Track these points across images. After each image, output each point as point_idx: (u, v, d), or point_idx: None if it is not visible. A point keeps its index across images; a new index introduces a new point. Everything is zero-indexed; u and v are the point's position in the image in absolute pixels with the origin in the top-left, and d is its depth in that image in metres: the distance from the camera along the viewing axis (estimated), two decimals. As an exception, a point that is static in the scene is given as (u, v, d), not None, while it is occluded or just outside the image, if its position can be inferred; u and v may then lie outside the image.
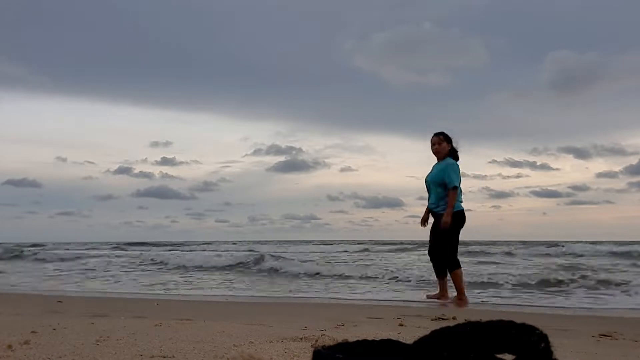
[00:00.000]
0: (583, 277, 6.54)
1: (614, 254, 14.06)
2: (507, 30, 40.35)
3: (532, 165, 41.36)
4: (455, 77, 38.59)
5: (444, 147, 5.20)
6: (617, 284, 6.02)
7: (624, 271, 8.06)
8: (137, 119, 48.66)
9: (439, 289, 5.03)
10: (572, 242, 21.98)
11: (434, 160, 5.24)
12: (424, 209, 5.31)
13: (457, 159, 5.23)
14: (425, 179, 5.27)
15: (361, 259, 12.81)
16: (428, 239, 5.20)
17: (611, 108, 40.46)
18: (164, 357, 1.51)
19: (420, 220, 5.31)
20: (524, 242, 23.88)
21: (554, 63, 34.46)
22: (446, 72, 38.52)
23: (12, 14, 34.67)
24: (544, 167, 41.53)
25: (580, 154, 41.15)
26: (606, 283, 6.13)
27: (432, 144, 5.24)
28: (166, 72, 44.87)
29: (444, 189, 5.02)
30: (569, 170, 43.19)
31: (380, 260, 12.31)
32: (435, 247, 5.09)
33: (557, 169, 42.14)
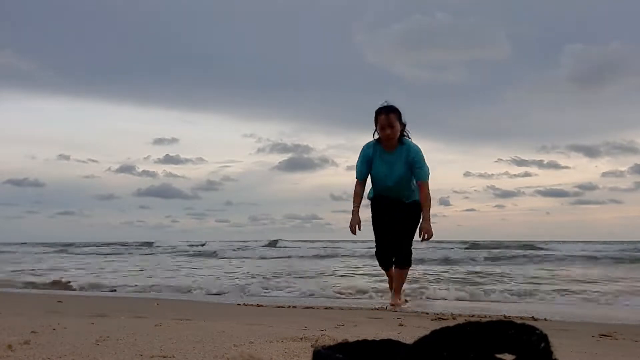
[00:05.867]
0: None
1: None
2: (527, 21, 39.40)
3: (539, 164, 41.14)
4: (470, 73, 37.68)
5: (398, 129, 4.19)
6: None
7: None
8: (141, 118, 48.78)
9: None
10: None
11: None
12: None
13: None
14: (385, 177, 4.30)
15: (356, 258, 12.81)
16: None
17: (631, 104, 39.30)
18: (164, 357, 1.51)
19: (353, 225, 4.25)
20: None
21: (573, 55, 32.97)
22: (461, 67, 37.46)
23: (17, 9, 34.60)
24: (552, 165, 41.23)
25: (590, 152, 40.68)
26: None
27: (382, 127, 4.15)
28: (170, 71, 44.86)
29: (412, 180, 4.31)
30: (577, 169, 42.85)
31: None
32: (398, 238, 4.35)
33: (566, 168, 41.85)
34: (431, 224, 4.20)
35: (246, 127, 57.52)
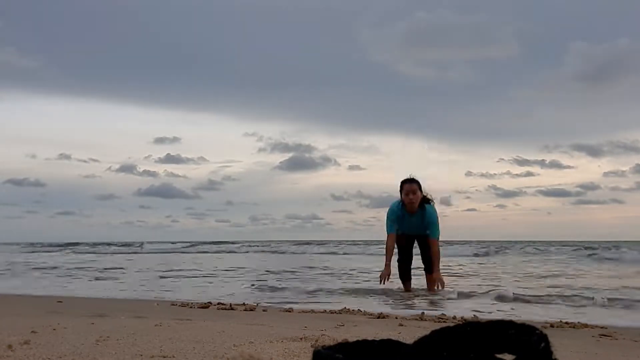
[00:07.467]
0: None
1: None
2: (532, 19, 38.90)
3: (542, 164, 40.79)
4: (473, 71, 37.24)
5: (419, 196, 5.17)
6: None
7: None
8: (142, 117, 48.81)
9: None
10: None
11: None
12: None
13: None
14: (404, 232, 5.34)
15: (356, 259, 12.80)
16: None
17: (635, 102, 38.41)
18: (164, 357, 1.51)
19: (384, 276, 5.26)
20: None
21: (579, 54, 32.16)
22: (464, 66, 36.93)
23: (19, 7, 34.53)
24: (554, 165, 40.79)
25: (593, 151, 40.24)
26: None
27: (407, 193, 5.14)
28: (171, 71, 44.90)
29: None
30: (579, 169, 42.41)
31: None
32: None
33: (568, 167, 41.43)
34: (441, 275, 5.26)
35: (248, 127, 57.58)
